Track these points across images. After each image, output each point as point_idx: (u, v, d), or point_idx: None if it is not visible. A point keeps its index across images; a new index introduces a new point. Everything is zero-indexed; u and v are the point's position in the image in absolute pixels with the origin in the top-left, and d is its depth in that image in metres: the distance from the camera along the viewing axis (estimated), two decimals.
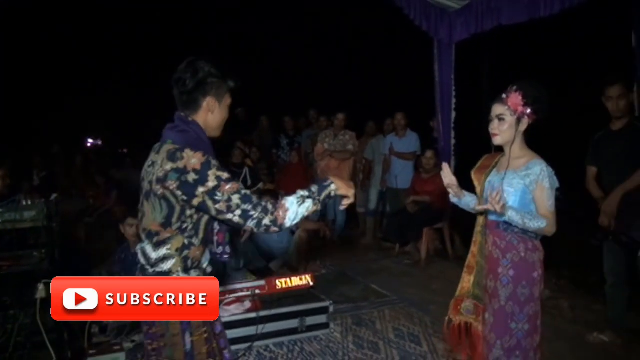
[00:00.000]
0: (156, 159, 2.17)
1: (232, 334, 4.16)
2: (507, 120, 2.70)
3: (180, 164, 2.06)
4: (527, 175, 2.66)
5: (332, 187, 2.25)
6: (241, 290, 4.41)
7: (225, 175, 2.09)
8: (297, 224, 2.40)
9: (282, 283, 4.56)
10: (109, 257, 5.56)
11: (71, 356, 3.79)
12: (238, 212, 2.07)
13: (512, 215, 2.57)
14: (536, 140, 2.80)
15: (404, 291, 5.54)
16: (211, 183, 2.05)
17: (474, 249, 2.98)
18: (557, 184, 2.67)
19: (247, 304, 4.32)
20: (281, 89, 11.49)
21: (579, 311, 4.82)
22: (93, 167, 10.25)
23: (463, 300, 2.97)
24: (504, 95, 2.71)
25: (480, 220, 2.92)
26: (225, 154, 7.74)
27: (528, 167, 2.67)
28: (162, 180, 2.08)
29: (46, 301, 3.62)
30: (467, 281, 2.98)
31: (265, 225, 2.11)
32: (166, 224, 2.13)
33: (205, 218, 2.19)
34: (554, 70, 10.00)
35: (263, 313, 4.23)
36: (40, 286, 3.61)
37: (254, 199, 2.11)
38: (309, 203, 2.18)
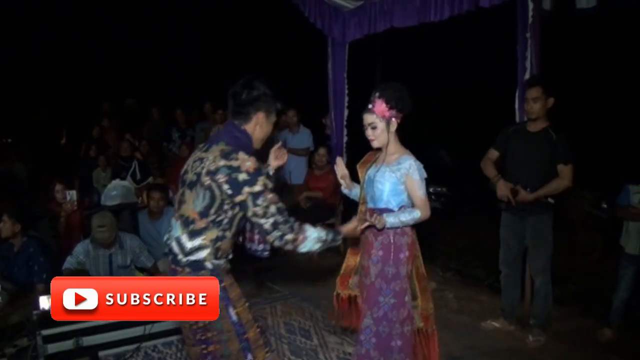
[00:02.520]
0: (205, 156, 2.39)
1: (119, 334, 4.05)
2: (378, 127, 3.06)
3: (234, 163, 2.30)
4: (398, 169, 3.04)
5: (340, 237, 2.62)
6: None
7: (271, 185, 2.37)
8: None
9: None
10: None
11: None
12: (271, 220, 2.32)
13: (391, 222, 2.98)
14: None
15: (295, 286, 5.59)
16: (258, 187, 2.29)
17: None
18: (425, 175, 3.06)
19: None
20: (174, 82, 11.24)
21: (465, 302, 5.07)
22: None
23: (350, 276, 3.39)
24: (370, 105, 3.07)
25: (363, 207, 3.24)
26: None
27: (399, 162, 3.06)
28: (212, 173, 2.30)
29: None
30: (352, 260, 3.40)
31: (286, 240, 2.37)
32: (204, 213, 2.33)
33: (239, 215, 2.39)
34: (447, 70, 10.51)
35: None
36: None
37: (286, 215, 2.37)
38: (319, 246, 2.49)
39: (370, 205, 3.17)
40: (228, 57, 11.03)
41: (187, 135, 8.97)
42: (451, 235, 7.60)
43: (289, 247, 2.41)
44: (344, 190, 3.40)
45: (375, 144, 3.13)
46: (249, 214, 2.33)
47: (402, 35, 6.10)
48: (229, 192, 2.30)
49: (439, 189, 9.39)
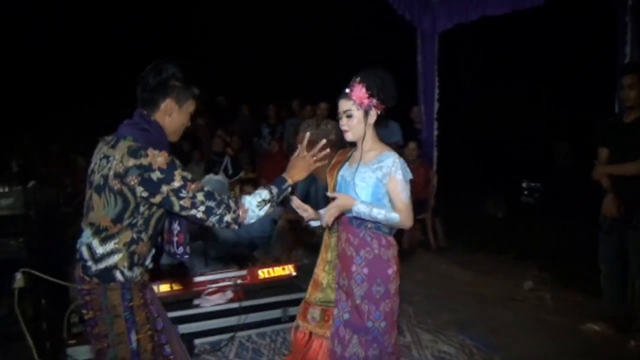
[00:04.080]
0: (111, 153, 2.12)
1: (214, 324, 4.16)
2: (354, 115, 2.61)
3: (144, 161, 2.06)
4: (379, 168, 2.58)
5: (288, 185, 2.40)
6: (223, 280, 4.38)
7: (189, 175, 2.14)
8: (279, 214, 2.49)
9: (264, 273, 4.53)
10: None
11: (50, 346, 3.71)
12: (202, 208, 2.14)
13: (360, 210, 2.53)
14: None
15: None
16: (177, 183, 2.09)
17: (325, 238, 2.87)
18: (410, 176, 2.61)
19: (229, 294, 4.27)
20: (264, 78, 11.40)
21: (562, 303, 4.85)
22: (72, 153, 10.09)
23: (311, 304, 2.85)
24: (347, 90, 2.62)
25: (332, 228, 2.81)
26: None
27: (379, 160, 2.59)
28: (121, 176, 2.06)
29: (24, 291, 3.57)
30: (319, 283, 2.85)
31: (227, 221, 2.19)
32: (117, 220, 2.11)
33: (157, 215, 2.20)
34: (538, 62, 10.10)
35: (246, 303, 4.19)
36: (18, 275, 3.51)
37: (217, 196, 2.18)
38: (267, 207, 2.31)
39: (348, 214, 2.63)
40: (317, 52, 11.06)
41: (277, 131, 9.09)
42: (546, 232, 7.29)
43: (234, 225, 2.23)
44: (312, 223, 2.81)
45: (348, 136, 2.65)
46: (176, 209, 2.12)
47: (494, 24, 5.91)
48: (144, 194, 2.07)
49: (533, 184, 9.05)
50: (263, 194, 2.29)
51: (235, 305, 4.15)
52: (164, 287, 4.29)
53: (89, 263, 2.12)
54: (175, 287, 4.34)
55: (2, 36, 10.40)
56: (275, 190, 2.34)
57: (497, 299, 4.88)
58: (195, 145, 8.76)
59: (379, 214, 2.51)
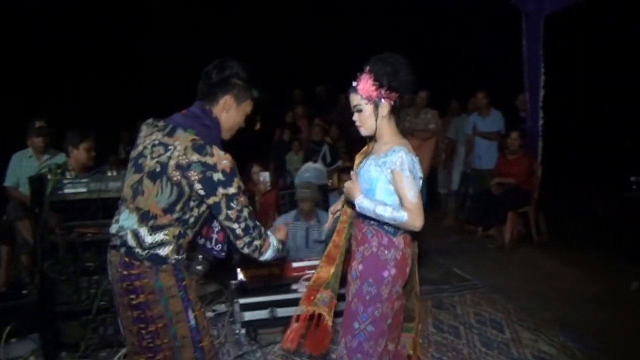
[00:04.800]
0: (169, 142, 2.12)
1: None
2: (364, 109, 2.45)
3: (209, 160, 2.05)
4: (384, 163, 2.38)
5: (283, 251, 2.43)
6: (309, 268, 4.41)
7: (242, 186, 2.15)
8: None
9: None
10: None
11: None
12: (243, 224, 2.15)
13: (363, 205, 2.39)
14: None
15: (486, 276, 5.36)
16: (233, 189, 2.09)
17: (336, 238, 2.76)
18: (420, 173, 2.40)
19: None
20: (362, 67, 11.30)
21: None
22: None
23: (319, 290, 2.74)
24: (354, 83, 2.46)
25: (349, 210, 2.72)
26: None
27: (387, 155, 2.39)
28: (183, 169, 2.05)
29: None
30: (325, 271, 2.77)
31: (255, 246, 2.21)
32: (168, 210, 2.10)
33: (206, 214, 2.21)
34: None
35: (342, 290, 4.17)
36: None
37: (255, 219, 2.22)
38: (273, 255, 2.35)
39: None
40: (416, 39, 10.88)
41: None
42: None
43: (255, 254, 2.23)
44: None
45: (362, 132, 2.53)
46: (221, 217, 2.12)
47: (605, 6, 5.53)
48: (202, 192, 2.08)
49: None
50: (277, 242, 2.36)
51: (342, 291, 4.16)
52: (264, 271, 4.43)
53: (137, 249, 2.12)
54: (274, 271, 4.46)
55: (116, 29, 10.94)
56: (281, 245, 2.40)
57: (602, 300, 4.60)
58: (295, 134, 8.87)
59: (385, 211, 2.32)
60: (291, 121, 9.49)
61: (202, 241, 2.41)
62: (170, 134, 2.14)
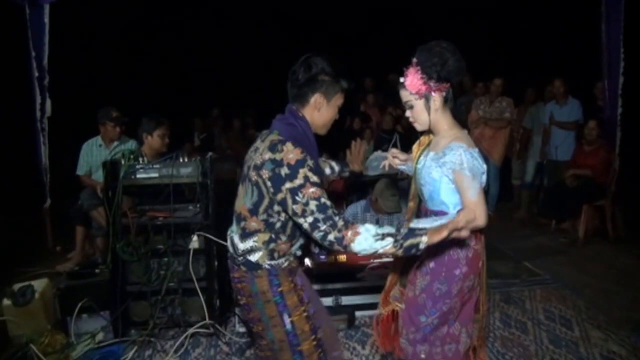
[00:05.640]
0: (260, 145, 2.19)
1: (375, 298, 4.16)
2: (415, 105, 2.38)
3: (277, 156, 2.07)
4: (444, 164, 2.30)
5: (423, 239, 2.06)
6: (387, 255, 4.38)
7: (314, 178, 2.06)
8: None
9: None
10: None
11: (219, 304, 4.03)
12: (310, 219, 2.05)
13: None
14: None
15: (557, 271, 5.20)
16: (298, 181, 2.04)
17: None
18: (482, 169, 2.29)
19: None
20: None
21: None
22: (252, 129, 10.71)
23: (392, 289, 2.75)
24: (402, 79, 2.37)
25: (411, 204, 2.66)
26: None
27: (445, 153, 2.31)
28: (258, 168, 2.11)
29: (198, 252, 3.90)
30: (396, 275, 2.75)
31: (330, 240, 2.05)
32: (253, 211, 2.16)
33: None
34: None
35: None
36: (194, 237, 3.89)
37: (330, 211, 2.05)
38: (387, 242, 2.05)
39: (427, 204, 2.51)
40: (491, 24, 10.60)
41: None
42: None
43: (337, 247, 2.05)
44: (400, 166, 2.75)
45: (417, 127, 2.45)
46: (290, 213, 2.09)
47: None
48: (272, 190, 2.08)
49: None
50: (387, 228, 2.11)
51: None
52: (329, 259, 4.45)
53: (234, 255, 2.26)
54: (341, 259, 4.46)
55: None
56: (404, 231, 2.09)
57: None
58: (365, 123, 8.84)
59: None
60: (362, 110, 9.46)
61: (317, 250, 2.47)
62: (263, 138, 2.22)
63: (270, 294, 2.21)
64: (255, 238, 2.18)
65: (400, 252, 2.07)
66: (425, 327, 2.46)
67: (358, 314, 4.20)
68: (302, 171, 2.05)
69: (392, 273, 2.80)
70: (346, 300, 4.20)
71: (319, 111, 2.26)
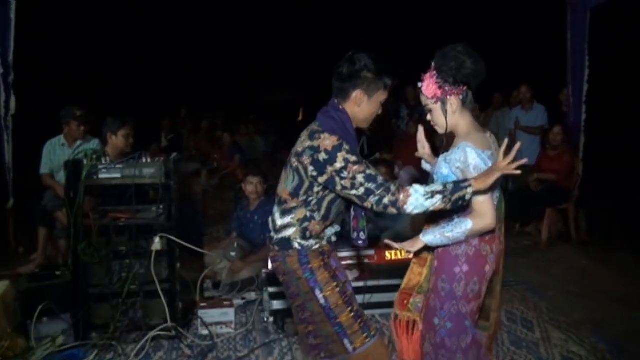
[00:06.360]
0: (303, 135, 2.39)
1: None
2: (433, 109, 2.45)
3: (315, 143, 2.26)
4: (450, 160, 2.35)
5: (469, 190, 2.15)
6: (350, 258, 4.41)
7: (353, 158, 2.22)
8: None
9: (392, 254, 4.49)
10: (227, 217, 5.80)
11: (182, 307, 3.99)
12: (361, 190, 2.19)
13: (430, 240, 2.37)
14: None
15: (521, 273, 5.26)
16: (339, 164, 2.20)
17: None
18: (488, 165, 2.29)
19: (355, 273, 4.33)
20: (404, 59, 11.20)
21: None
22: (220, 130, 10.68)
23: (412, 295, 2.67)
24: (419, 84, 2.43)
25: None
26: None
27: (453, 151, 2.36)
28: (299, 155, 2.31)
29: (160, 253, 3.86)
30: (417, 273, 2.70)
31: (385, 204, 2.18)
32: (294, 194, 2.36)
33: (329, 197, 2.37)
34: None
35: (371, 283, 4.21)
36: (156, 239, 3.85)
37: (379, 179, 2.20)
38: (437, 199, 2.16)
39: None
40: (458, 31, 10.70)
41: (416, 113, 8.93)
42: None
43: (392, 209, 2.18)
44: (425, 165, 2.80)
45: (438, 130, 2.50)
46: (338, 188, 2.24)
47: None
48: (314, 173, 2.27)
49: None
50: (434, 185, 2.20)
51: (360, 284, 4.16)
52: None
53: (272, 233, 2.45)
54: None
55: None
56: (450, 185, 2.17)
57: (637, 302, 4.46)
58: None
59: (451, 232, 2.30)
60: None
61: (354, 235, 2.60)
62: (308, 128, 2.40)
63: (301, 271, 2.39)
64: (293, 215, 2.37)
65: (449, 206, 2.19)
66: (440, 330, 2.47)
67: None
68: (341, 155, 2.22)
69: (412, 272, 2.75)
70: None
71: (360, 106, 2.39)
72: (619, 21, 7.89)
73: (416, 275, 2.70)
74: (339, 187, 2.23)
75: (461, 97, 2.39)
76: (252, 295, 4.68)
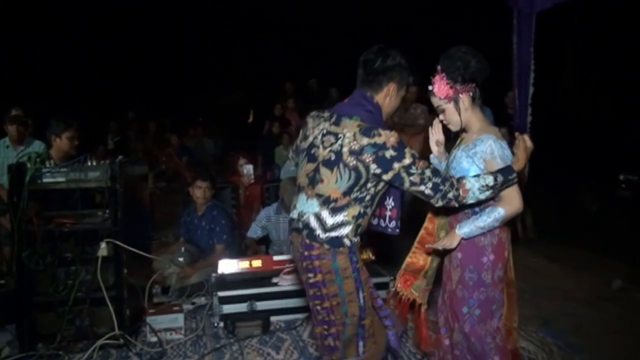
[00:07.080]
0: (338, 130, 2.33)
1: (290, 303, 4.27)
2: (446, 109, 2.60)
3: (378, 140, 2.24)
4: (475, 154, 2.52)
5: (515, 182, 2.40)
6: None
7: (416, 153, 2.28)
8: None
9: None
10: (176, 221, 5.70)
11: (130, 314, 3.90)
12: (430, 184, 2.26)
13: (466, 233, 2.52)
14: None
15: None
16: (407, 160, 2.24)
17: (429, 225, 2.87)
18: (512, 158, 2.47)
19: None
20: (354, 62, 11.24)
21: None
22: (167, 132, 10.53)
23: (417, 277, 2.87)
24: (430, 87, 2.60)
25: None
26: None
27: (475, 144, 2.53)
28: (357, 153, 2.26)
29: (107, 259, 3.75)
30: (419, 258, 2.89)
31: (449, 198, 2.30)
32: (347, 192, 2.31)
33: (382, 192, 2.40)
34: None
35: None
36: (103, 245, 3.75)
37: (442, 174, 2.33)
38: (490, 193, 2.34)
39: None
40: (402, 33, 10.84)
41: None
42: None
43: (454, 203, 2.33)
44: (433, 159, 2.87)
45: (452, 128, 2.67)
46: (406, 185, 2.28)
47: (597, 3, 5.50)
48: (378, 171, 2.26)
49: (631, 177, 8.40)
50: (488, 179, 2.34)
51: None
52: (243, 264, 4.47)
53: (318, 232, 2.34)
54: (255, 264, 4.47)
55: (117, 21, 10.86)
56: (500, 178, 2.35)
57: (584, 297, 4.64)
58: (284, 127, 8.84)
59: (485, 222, 2.46)
60: (280, 114, 9.45)
61: (375, 221, 2.59)
62: (337, 123, 2.37)
63: (350, 270, 2.37)
64: (345, 212, 2.32)
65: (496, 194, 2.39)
66: (469, 318, 2.60)
67: (273, 319, 4.20)
68: (407, 150, 2.26)
69: (416, 256, 2.90)
70: (261, 305, 4.19)
71: (390, 99, 2.44)
72: (563, 25, 8.12)
73: (419, 259, 2.88)
74: (407, 184, 2.28)
75: (471, 93, 2.56)
76: (202, 300, 4.62)
